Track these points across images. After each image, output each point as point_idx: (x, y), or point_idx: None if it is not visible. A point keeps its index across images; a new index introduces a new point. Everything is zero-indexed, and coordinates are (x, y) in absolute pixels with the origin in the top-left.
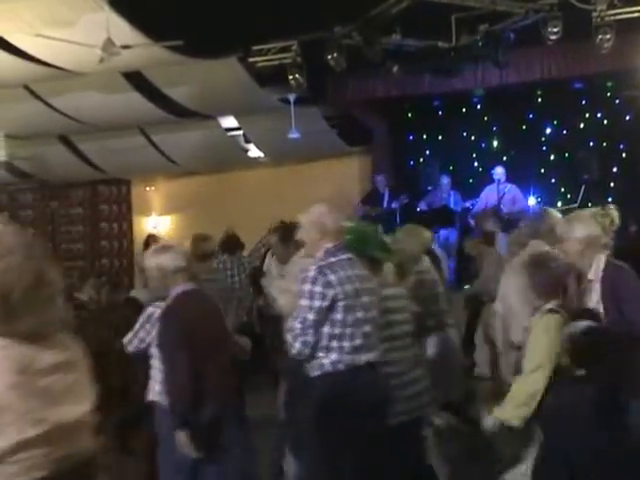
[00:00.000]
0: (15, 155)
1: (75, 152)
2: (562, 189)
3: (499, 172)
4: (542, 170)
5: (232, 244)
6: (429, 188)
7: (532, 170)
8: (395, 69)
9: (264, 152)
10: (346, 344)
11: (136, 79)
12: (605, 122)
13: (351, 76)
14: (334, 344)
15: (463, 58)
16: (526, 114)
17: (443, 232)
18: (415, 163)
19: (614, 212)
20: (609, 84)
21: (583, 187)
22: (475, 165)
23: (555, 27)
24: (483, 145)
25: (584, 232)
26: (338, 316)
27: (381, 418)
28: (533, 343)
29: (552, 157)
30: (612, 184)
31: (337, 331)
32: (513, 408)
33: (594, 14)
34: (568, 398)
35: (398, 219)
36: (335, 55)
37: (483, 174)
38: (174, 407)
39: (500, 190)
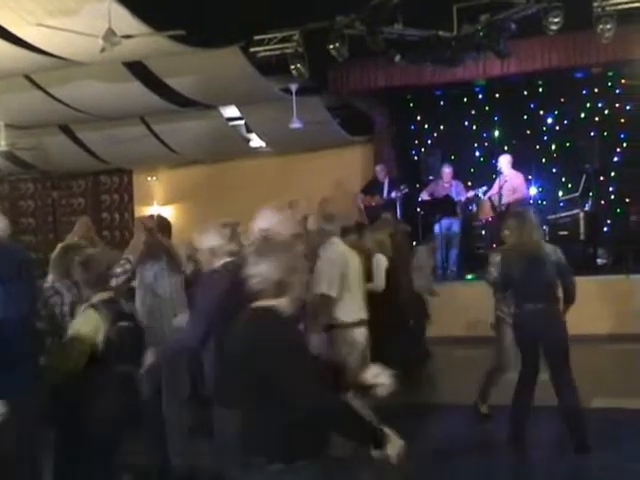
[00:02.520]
0: (16, 145)
1: (76, 142)
2: (563, 178)
3: (501, 161)
4: (543, 160)
5: None
6: (430, 178)
7: (533, 160)
8: (397, 59)
9: (266, 142)
10: None
11: (138, 69)
12: (606, 112)
13: (353, 66)
14: None
15: (465, 48)
16: (527, 104)
17: (445, 222)
18: (417, 153)
19: (235, 225)
20: (610, 74)
21: (584, 176)
22: (477, 155)
23: (556, 17)
24: (485, 135)
25: (208, 244)
26: None
27: None
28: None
29: (553, 147)
30: (612, 173)
31: None
32: None
33: (595, 4)
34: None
35: (399, 209)
36: (337, 45)
37: (485, 164)
38: None
39: (501, 179)
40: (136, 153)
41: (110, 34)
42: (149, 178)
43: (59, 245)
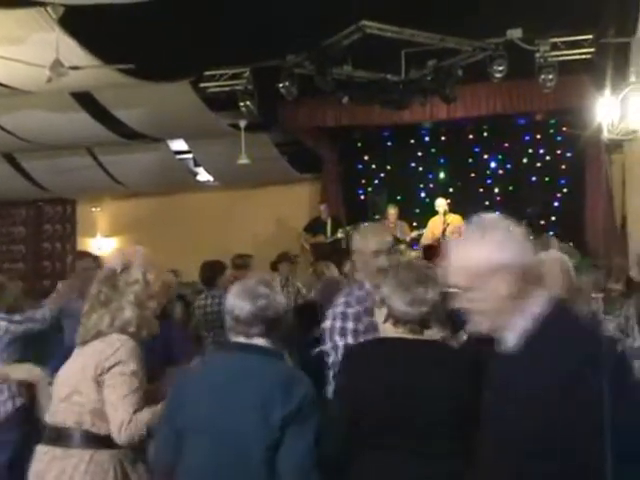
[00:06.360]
0: None
1: (19, 170)
2: None
3: (440, 203)
4: (486, 202)
5: None
6: (376, 217)
7: (477, 202)
8: (345, 99)
9: (213, 176)
10: None
11: (85, 100)
12: (547, 158)
13: (302, 104)
14: None
15: (412, 91)
16: (472, 148)
17: None
18: (364, 192)
19: None
20: (552, 122)
21: (525, 220)
22: (422, 196)
23: (500, 65)
24: (430, 176)
25: None
26: None
27: None
28: None
29: (496, 190)
30: (553, 218)
31: None
32: None
33: (537, 55)
34: None
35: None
36: (287, 83)
37: (429, 205)
38: None
39: (445, 221)
40: (81, 183)
41: (57, 65)
42: (93, 209)
43: None
